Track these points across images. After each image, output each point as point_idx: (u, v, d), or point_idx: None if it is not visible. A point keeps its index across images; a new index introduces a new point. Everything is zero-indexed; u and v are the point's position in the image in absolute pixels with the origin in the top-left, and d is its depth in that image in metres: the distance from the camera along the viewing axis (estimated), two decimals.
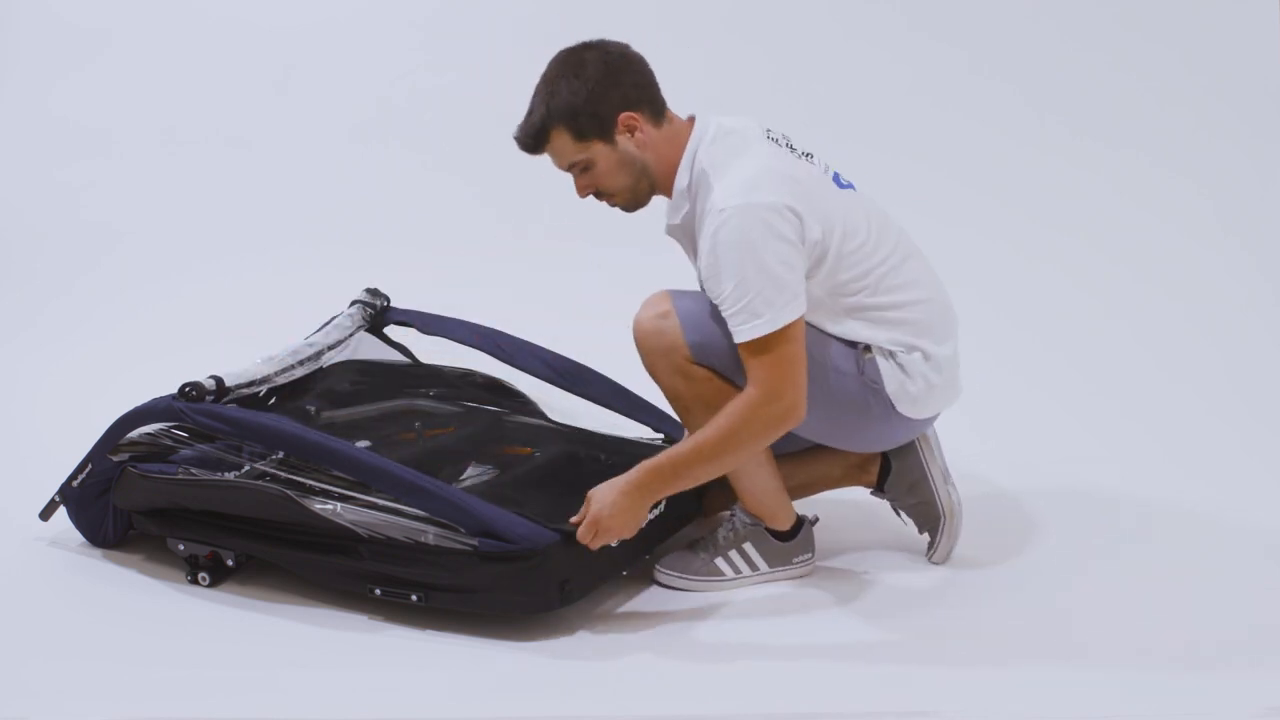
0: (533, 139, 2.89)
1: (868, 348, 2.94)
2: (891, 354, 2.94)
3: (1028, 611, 2.97)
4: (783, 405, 2.79)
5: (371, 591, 2.88)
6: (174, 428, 3.06)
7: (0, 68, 4.91)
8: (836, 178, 2.97)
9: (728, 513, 3.11)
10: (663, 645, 2.83)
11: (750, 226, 2.76)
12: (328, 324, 3.50)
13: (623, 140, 2.87)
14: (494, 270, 4.51)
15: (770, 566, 3.06)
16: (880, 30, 4.95)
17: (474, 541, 2.79)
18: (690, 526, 3.17)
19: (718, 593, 3.02)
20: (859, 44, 4.93)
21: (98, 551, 3.16)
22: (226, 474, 2.99)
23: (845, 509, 3.32)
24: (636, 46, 2.94)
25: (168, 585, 3.04)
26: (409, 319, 3.52)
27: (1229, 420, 3.86)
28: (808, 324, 2.86)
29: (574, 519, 2.83)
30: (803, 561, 3.08)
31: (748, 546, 3.05)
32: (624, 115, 2.86)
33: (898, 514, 3.19)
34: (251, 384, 3.21)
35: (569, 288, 4.43)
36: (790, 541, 3.06)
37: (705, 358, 2.90)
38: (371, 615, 2.91)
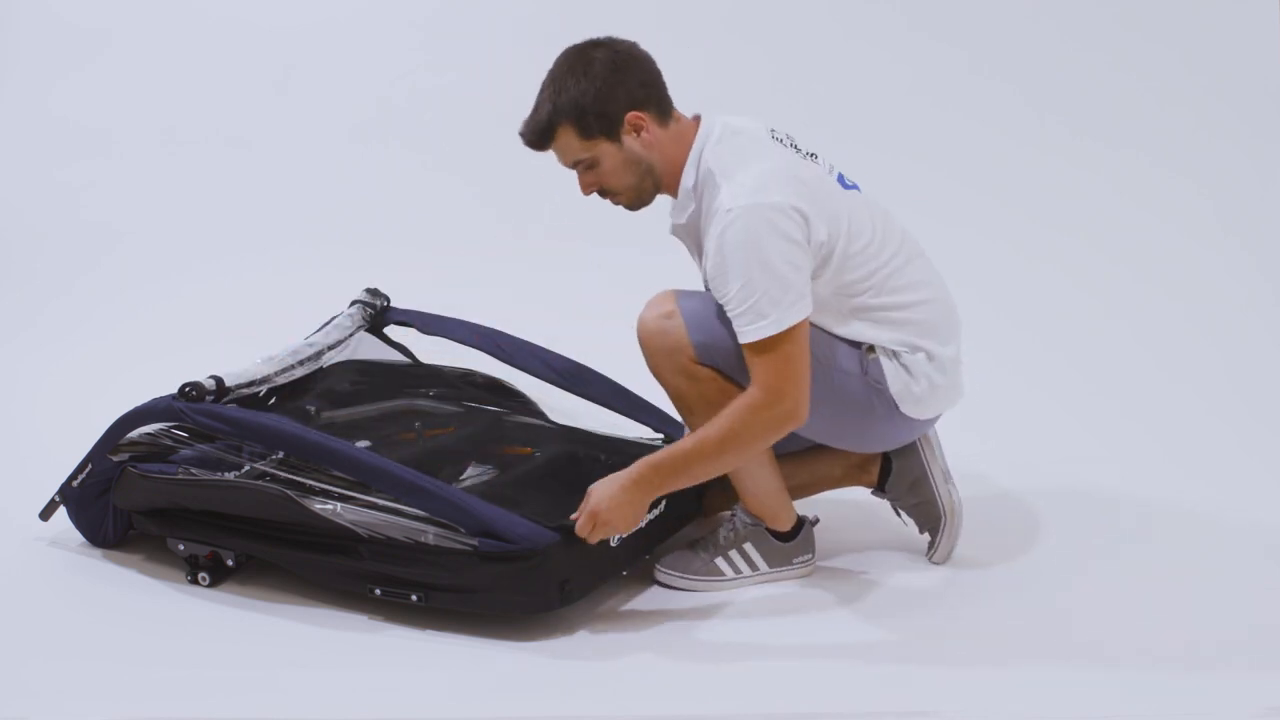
0: (538, 136, 2.89)
1: (871, 348, 2.94)
2: (895, 354, 2.94)
3: (1028, 611, 2.97)
4: (785, 407, 2.79)
5: (371, 591, 2.88)
6: (174, 428, 3.06)
7: (0, 68, 4.92)
8: (841, 178, 2.97)
9: (728, 513, 3.11)
10: (663, 645, 2.83)
11: (757, 227, 2.76)
12: (328, 324, 3.49)
13: (629, 140, 2.87)
14: (494, 270, 4.51)
15: (771, 567, 3.06)
16: (880, 30, 4.95)
17: (474, 541, 2.79)
18: (690, 526, 3.17)
19: (718, 593, 3.02)
20: (859, 44, 4.94)
21: (98, 551, 3.16)
22: (226, 474, 2.99)
23: (845, 509, 3.32)
24: None
25: (168, 585, 3.03)
26: (409, 319, 3.52)
27: (1229, 420, 3.86)
28: (812, 325, 2.86)
29: (574, 515, 2.83)
30: (803, 562, 3.08)
31: (748, 547, 3.05)
32: (631, 115, 2.85)
33: (898, 514, 3.19)
34: (251, 384, 3.21)
35: (569, 288, 4.43)
36: (791, 542, 3.06)
37: (710, 358, 2.90)
38: (371, 615, 2.91)
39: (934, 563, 3.13)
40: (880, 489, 3.17)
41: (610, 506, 2.81)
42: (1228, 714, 2.60)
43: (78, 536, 3.17)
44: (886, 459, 3.15)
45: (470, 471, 3.17)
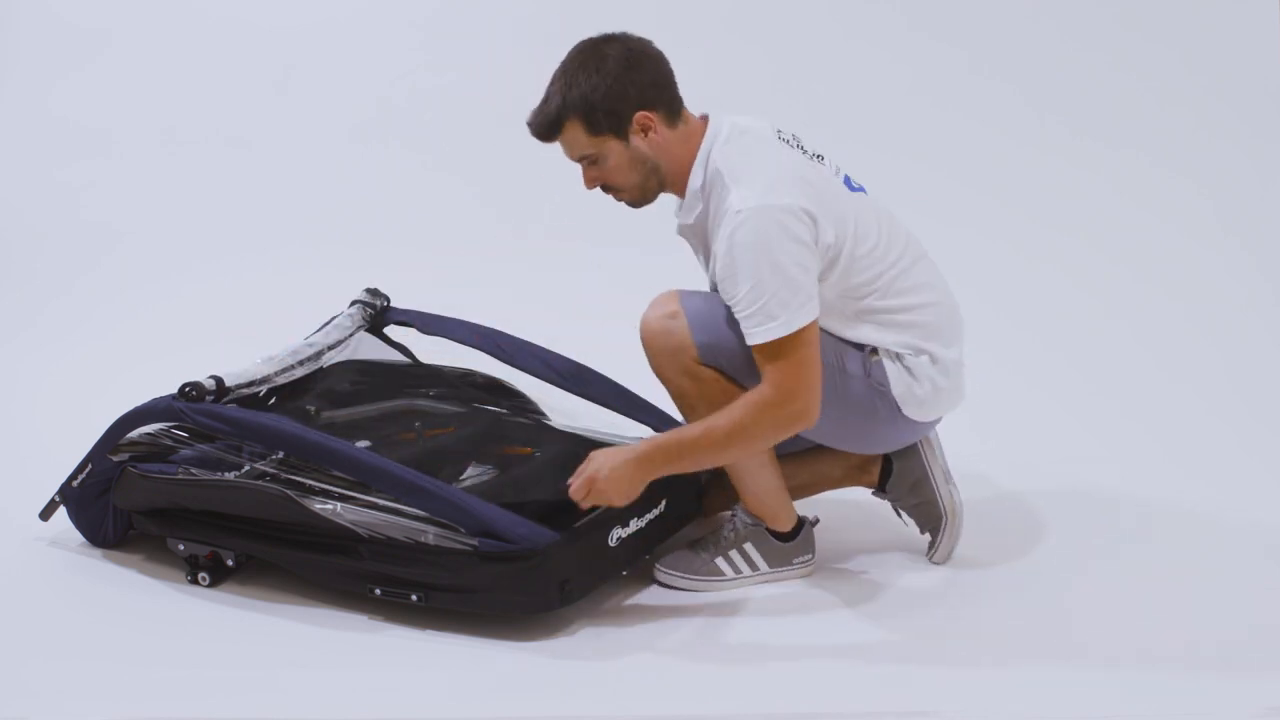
0: (546, 128, 2.88)
1: (874, 350, 2.94)
2: (899, 357, 2.94)
3: (1028, 611, 2.97)
4: (796, 407, 2.79)
5: (371, 591, 2.88)
6: (174, 428, 3.06)
7: (0, 68, 4.92)
8: (847, 180, 2.97)
9: (729, 513, 3.11)
10: (663, 645, 2.83)
11: (767, 228, 2.76)
12: (328, 324, 3.49)
13: (636, 139, 2.86)
14: (494, 270, 4.50)
15: (771, 567, 3.06)
16: (880, 30, 4.95)
17: (474, 541, 2.79)
18: (690, 526, 3.17)
19: (718, 593, 3.02)
20: (859, 44, 4.94)
21: (98, 551, 3.16)
22: (226, 474, 2.99)
23: (846, 509, 3.32)
24: None
25: (168, 585, 3.03)
26: (409, 319, 3.52)
27: (1229, 420, 3.86)
28: (820, 329, 2.85)
29: (570, 479, 2.84)
30: (803, 562, 3.08)
31: (748, 547, 3.05)
32: (640, 114, 2.85)
33: (899, 514, 3.19)
34: (251, 384, 3.20)
35: (569, 288, 4.43)
36: (791, 542, 3.06)
37: (713, 359, 2.90)
38: (371, 615, 2.91)
39: (934, 563, 3.13)
40: (881, 489, 3.17)
41: (609, 476, 2.82)
42: (1228, 714, 2.60)
43: (78, 536, 3.17)
44: (887, 460, 3.14)
45: (470, 471, 3.17)
